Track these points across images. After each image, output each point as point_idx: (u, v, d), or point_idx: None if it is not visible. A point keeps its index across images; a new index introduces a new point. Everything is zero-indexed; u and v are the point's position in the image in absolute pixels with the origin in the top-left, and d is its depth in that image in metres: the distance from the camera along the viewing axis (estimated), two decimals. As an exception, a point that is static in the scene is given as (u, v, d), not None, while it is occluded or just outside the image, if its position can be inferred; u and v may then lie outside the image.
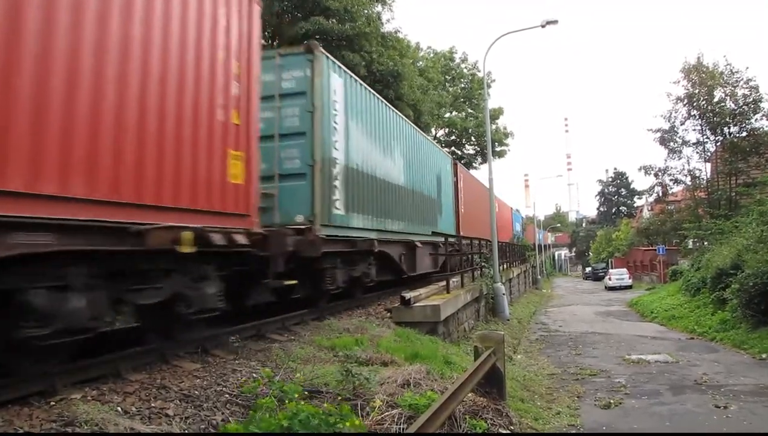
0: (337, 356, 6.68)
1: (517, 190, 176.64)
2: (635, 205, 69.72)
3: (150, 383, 4.75)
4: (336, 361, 6.40)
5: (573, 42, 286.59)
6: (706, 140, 29.70)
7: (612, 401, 8.55)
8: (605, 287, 41.10)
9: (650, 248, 41.51)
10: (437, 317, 9.90)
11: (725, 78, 27.74)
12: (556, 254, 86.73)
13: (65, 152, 3.98)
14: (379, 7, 20.85)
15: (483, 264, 17.79)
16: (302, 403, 4.28)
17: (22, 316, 3.91)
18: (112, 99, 4.40)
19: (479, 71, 37.43)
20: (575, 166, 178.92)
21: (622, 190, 76.22)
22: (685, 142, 30.23)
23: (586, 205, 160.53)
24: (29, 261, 3.78)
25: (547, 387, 9.60)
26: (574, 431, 7.10)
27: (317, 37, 17.15)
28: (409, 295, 10.07)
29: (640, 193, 56.39)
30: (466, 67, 39.27)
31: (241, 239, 5.79)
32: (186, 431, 4.03)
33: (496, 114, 37.74)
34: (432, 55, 36.61)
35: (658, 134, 30.54)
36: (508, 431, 5.67)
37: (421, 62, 32.02)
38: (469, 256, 18.21)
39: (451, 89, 38.21)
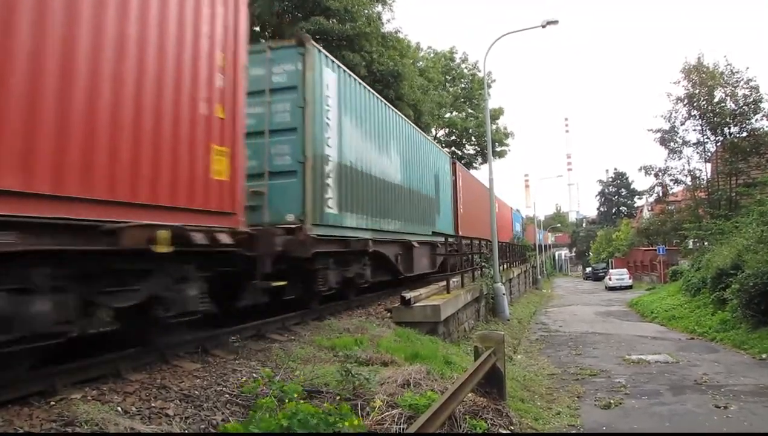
0: (337, 356, 6.68)
1: (517, 191, 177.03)
2: (635, 205, 69.88)
3: (150, 383, 4.76)
4: (336, 361, 6.40)
5: (573, 42, 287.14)
6: (706, 140, 29.74)
7: (612, 401, 8.55)
8: (605, 287, 41.13)
9: (650, 248, 41.52)
10: (437, 317, 9.89)
11: (725, 78, 27.75)
12: (557, 254, 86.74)
13: (28, 145, 3.67)
14: (379, 7, 20.87)
15: (483, 264, 17.79)
16: (302, 403, 4.28)
17: None
18: (84, 87, 4.10)
19: (479, 71, 37.47)
20: (575, 167, 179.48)
21: (623, 190, 76.33)
22: (685, 143, 30.30)
23: (586, 206, 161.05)
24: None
25: (547, 387, 9.60)
26: (574, 431, 7.10)
27: (317, 37, 17.12)
28: (409, 295, 10.06)
29: (641, 194, 56.62)
30: (466, 68, 39.24)
31: (225, 239, 5.52)
32: (186, 431, 4.04)
33: (496, 114, 37.71)
34: (432, 55, 36.57)
35: (659, 134, 30.62)
36: (508, 431, 5.67)
37: (421, 62, 31.99)
38: (469, 256, 18.18)
39: (451, 89, 38.15)
